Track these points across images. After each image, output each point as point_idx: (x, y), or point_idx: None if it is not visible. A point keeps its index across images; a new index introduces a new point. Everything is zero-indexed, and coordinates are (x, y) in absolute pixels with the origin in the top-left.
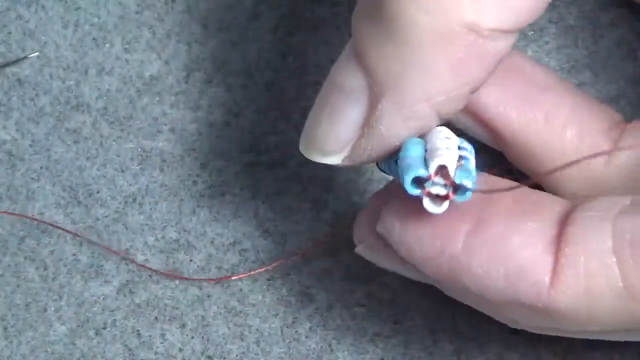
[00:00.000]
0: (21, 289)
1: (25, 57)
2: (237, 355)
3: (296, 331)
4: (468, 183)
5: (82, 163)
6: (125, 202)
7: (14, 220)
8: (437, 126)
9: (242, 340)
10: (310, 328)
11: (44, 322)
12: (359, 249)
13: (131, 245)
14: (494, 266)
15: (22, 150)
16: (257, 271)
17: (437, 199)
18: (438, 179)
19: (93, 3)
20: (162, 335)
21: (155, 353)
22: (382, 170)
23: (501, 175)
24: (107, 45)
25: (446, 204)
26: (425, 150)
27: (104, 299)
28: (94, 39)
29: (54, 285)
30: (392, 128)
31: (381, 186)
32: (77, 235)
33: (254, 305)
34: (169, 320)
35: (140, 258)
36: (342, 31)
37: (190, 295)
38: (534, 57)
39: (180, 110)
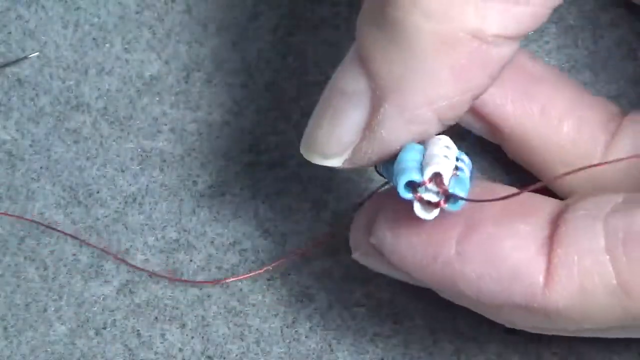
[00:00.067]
0: (21, 289)
1: (25, 57)
2: (237, 355)
3: (296, 331)
4: (461, 193)
5: (82, 163)
6: (125, 202)
7: (14, 220)
8: (439, 134)
9: (242, 340)
10: (310, 328)
11: (44, 322)
12: (356, 255)
13: (131, 245)
14: (487, 270)
15: (22, 150)
16: (257, 272)
17: (429, 205)
18: (431, 186)
19: (93, 3)
20: (162, 335)
21: (155, 353)
22: (380, 174)
23: (498, 169)
24: (107, 45)
25: (436, 211)
26: (423, 157)
27: (104, 299)
28: (94, 39)
29: (54, 285)
30: (394, 132)
31: (384, 187)
32: (75, 237)
33: (254, 305)
34: (169, 320)
35: (140, 258)
36: (342, 31)
37: (190, 295)
38: None
39: (180, 110)
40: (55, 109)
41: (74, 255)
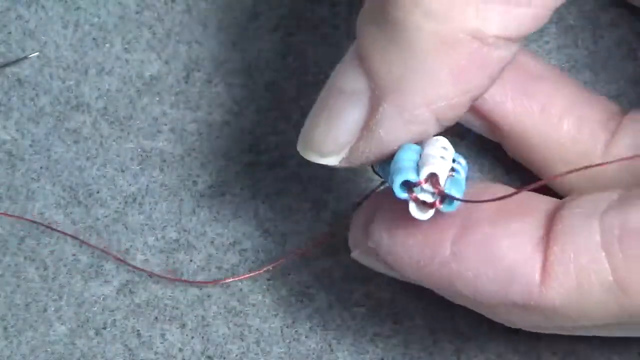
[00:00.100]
0: (21, 289)
1: (25, 57)
2: (237, 355)
3: (296, 331)
4: (456, 194)
5: (82, 163)
6: (125, 202)
7: (14, 220)
8: (437, 136)
9: (242, 340)
10: (310, 328)
11: (44, 322)
12: (355, 254)
13: (131, 245)
14: (483, 269)
15: (22, 150)
16: (257, 272)
17: (424, 206)
18: (427, 186)
19: (93, 3)
20: (162, 335)
21: (155, 353)
22: (377, 174)
23: (498, 168)
24: (107, 45)
25: (431, 211)
26: (420, 157)
27: (104, 299)
28: (94, 39)
29: (54, 285)
30: (392, 132)
31: (381, 187)
32: (75, 237)
33: (254, 305)
34: (169, 320)
35: (140, 258)
36: (342, 31)
37: (190, 295)
38: None
39: (180, 110)
40: (55, 109)
41: (74, 255)
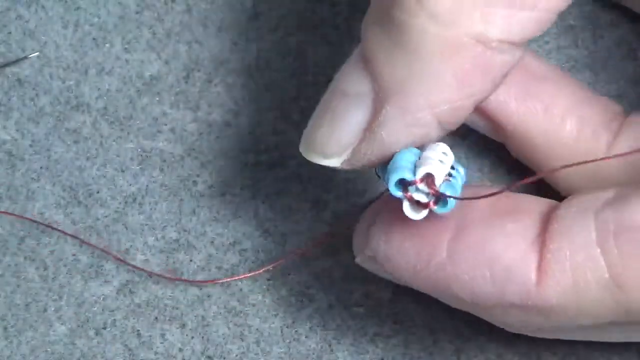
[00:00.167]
0: (21, 289)
1: (25, 57)
2: (237, 355)
3: (296, 331)
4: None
5: (82, 163)
6: (125, 202)
7: (14, 220)
8: (439, 142)
9: (242, 340)
10: (310, 328)
11: (44, 322)
12: (359, 259)
13: (131, 245)
14: (479, 270)
15: (22, 150)
16: (257, 272)
17: (418, 206)
18: (422, 187)
19: (93, 3)
20: (162, 335)
21: (155, 353)
22: (378, 176)
23: (501, 168)
24: (107, 45)
25: (425, 212)
26: (419, 159)
27: (104, 299)
28: (94, 39)
29: (54, 285)
30: (394, 134)
31: (381, 188)
32: (75, 237)
33: (254, 305)
34: (169, 320)
35: (140, 258)
36: (342, 31)
37: (190, 295)
38: None
39: (180, 110)
40: (55, 109)
41: (74, 255)
